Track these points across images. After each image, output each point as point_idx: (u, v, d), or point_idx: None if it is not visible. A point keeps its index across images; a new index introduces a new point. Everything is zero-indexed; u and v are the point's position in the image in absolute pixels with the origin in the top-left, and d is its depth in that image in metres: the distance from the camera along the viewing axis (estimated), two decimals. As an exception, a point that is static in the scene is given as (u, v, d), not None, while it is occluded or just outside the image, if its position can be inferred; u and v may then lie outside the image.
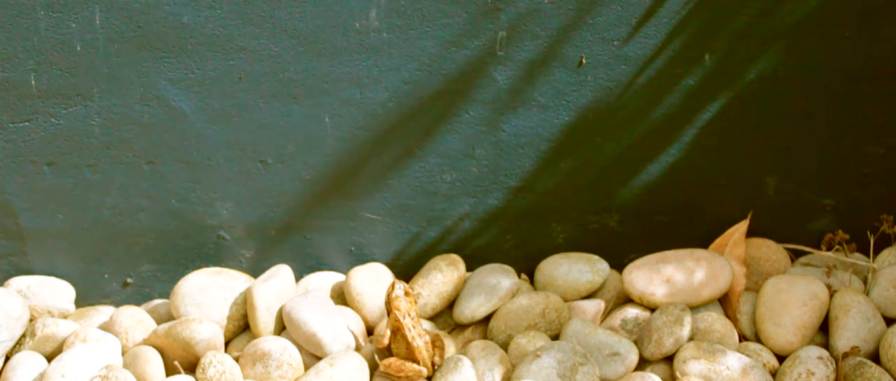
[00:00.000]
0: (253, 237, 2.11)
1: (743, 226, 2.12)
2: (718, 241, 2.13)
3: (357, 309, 2.05)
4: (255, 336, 2.01)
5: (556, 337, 2.01)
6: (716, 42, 2.01)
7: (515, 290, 2.06)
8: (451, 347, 1.99)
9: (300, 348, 1.97)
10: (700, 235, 2.15)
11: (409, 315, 1.92)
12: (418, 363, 1.90)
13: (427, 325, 2.03)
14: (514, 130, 2.06)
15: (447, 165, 2.08)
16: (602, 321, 2.05)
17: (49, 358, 1.97)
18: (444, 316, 2.09)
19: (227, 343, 2.04)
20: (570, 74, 2.02)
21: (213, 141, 2.03)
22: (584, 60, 2.02)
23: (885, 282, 2.03)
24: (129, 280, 2.12)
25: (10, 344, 1.98)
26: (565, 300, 2.07)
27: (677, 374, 1.90)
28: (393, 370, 1.91)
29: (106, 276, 2.11)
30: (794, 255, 2.15)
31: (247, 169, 2.06)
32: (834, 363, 1.91)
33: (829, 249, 2.12)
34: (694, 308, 2.02)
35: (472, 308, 2.04)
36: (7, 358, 1.98)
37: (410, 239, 2.13)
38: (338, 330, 1.97)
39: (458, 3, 1.97)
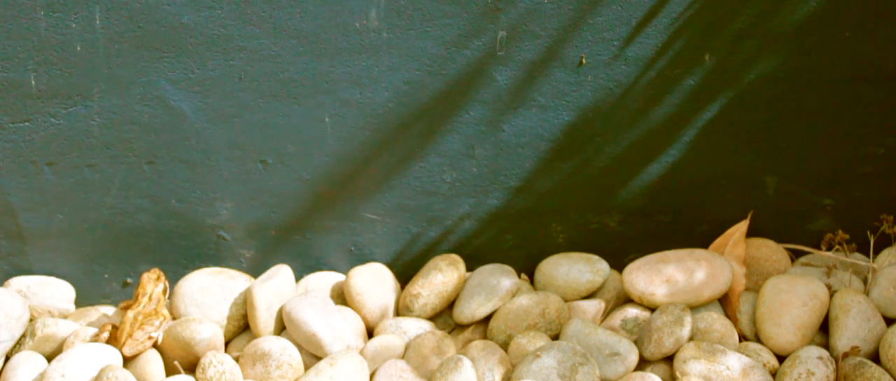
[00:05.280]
0: (253, 237, 2.11)
1: (743, 226, 2.12)
2: (718, 241, 2.13)
3: (357, 309, 2.05)
4: (255, 336, 2.01)
5: (556, 337, 2.01)
6: (716, 42, 2.01)
7: (515, 290, 2.06)
8: (451, 347, 1.99)
9: (300, 348, 1.97)
10: (700, 235, 2.15)
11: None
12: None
13: (427, 325, 2.03)
14: (514, 130, 2.06)
15: (447, 165, 2.08)
16: (602, 321, 2.05)
17: (49, 358, 1.97)
18: (444, 316, 2.09)
19: (227, 343, 2.04)
20: (570, 73, 2.02)
21: (213, 141, 2.03)
22: (584, 60, 2.02)
23: (885, 282, 2.03)
24: (129, 280, 2.12)
25: (10, 344, 1.98)
26: (565, 300, 2.07)
27: (677, 374, 1.90)
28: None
29: (106, 276, 2.11)
30: (794, 255, 2.15)
31: (247, 169, 2.06)
32: (834, 363, 1.91)
33: (829, 249, 2.12)
34: (694, 308, 2.02)
35: (472, 308, 2.04)
36: (7, 358, 1.98)
37: (410, 239, 2.13)
38: (338, 330, 1.97)
39: (459, 3, 1.97)
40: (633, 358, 1.93)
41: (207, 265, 2.12)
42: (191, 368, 1.96)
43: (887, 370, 1.90)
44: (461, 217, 2.12)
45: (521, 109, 2.04)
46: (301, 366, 1.95)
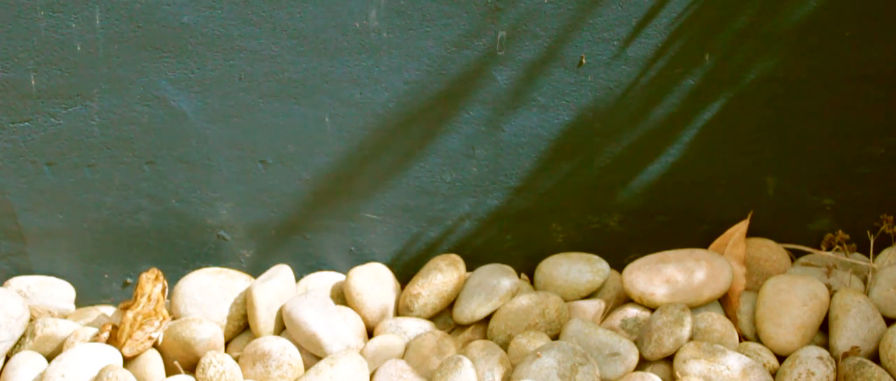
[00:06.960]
0: (253, 237, 2.11)
1: (743, 226, 2.12)
2: (718, 241, 2.13)
3: (357, 309, 2.05)
4: (255, 336, 2.01)
5: (556, 337, 2.01)
6: (716, 42, 2.01)
7: (515, 290, 2.06)
8: (451, 347, 1.99)
9: (300, 348, 1.97)
10: (700, 235, 2.15)
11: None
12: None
13: (427, 325, 2.03)
14: (514, 130, 2.06)
15: (447, 165, 2.08)
16: (602, 321, 2.05)
17: (49, 358, 1.97)
18: (444, 316, 2.09)
19: (227, 343, 2.04)
20: (570, 73, 2.02)
21: (213, 141, 2.03)
22: (584, 60, 2.02)
23: (885, 282, 2.03)
24: (128, 280, 2.12)
25: (10, 344, 1.98)
26: (565, 300, 2.07)
27: (677, 374, 1.90)
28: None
29: (106, 276, 2.11)
30: (794, 255, 2.15)
31: (247, 169, 2.06)
32: (834, 363, 1.91)
33: (829, 249, 2.12)
34: (694, 308, 2.02)
35: (472, 308, 2.04)
36: (7, 358, 1.98)
37: (410, 239, 2.13)
38: (338, 330, 1.97)
39: (459, 3, 1.97)
40: (633, 358, 1.93)
41: (207, 265, 2.12)
42: (191, 368, 1.96)
43: (887, 370, 1.90)
44: (461, 217, 2.12)
45: (521, 109, 2.04)
46: (301, 366, 1.95)
